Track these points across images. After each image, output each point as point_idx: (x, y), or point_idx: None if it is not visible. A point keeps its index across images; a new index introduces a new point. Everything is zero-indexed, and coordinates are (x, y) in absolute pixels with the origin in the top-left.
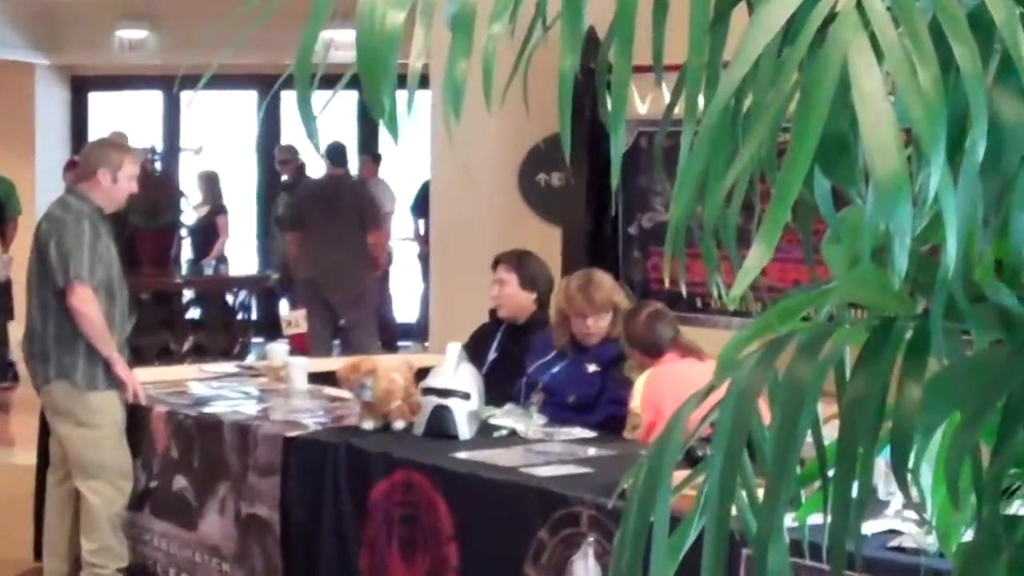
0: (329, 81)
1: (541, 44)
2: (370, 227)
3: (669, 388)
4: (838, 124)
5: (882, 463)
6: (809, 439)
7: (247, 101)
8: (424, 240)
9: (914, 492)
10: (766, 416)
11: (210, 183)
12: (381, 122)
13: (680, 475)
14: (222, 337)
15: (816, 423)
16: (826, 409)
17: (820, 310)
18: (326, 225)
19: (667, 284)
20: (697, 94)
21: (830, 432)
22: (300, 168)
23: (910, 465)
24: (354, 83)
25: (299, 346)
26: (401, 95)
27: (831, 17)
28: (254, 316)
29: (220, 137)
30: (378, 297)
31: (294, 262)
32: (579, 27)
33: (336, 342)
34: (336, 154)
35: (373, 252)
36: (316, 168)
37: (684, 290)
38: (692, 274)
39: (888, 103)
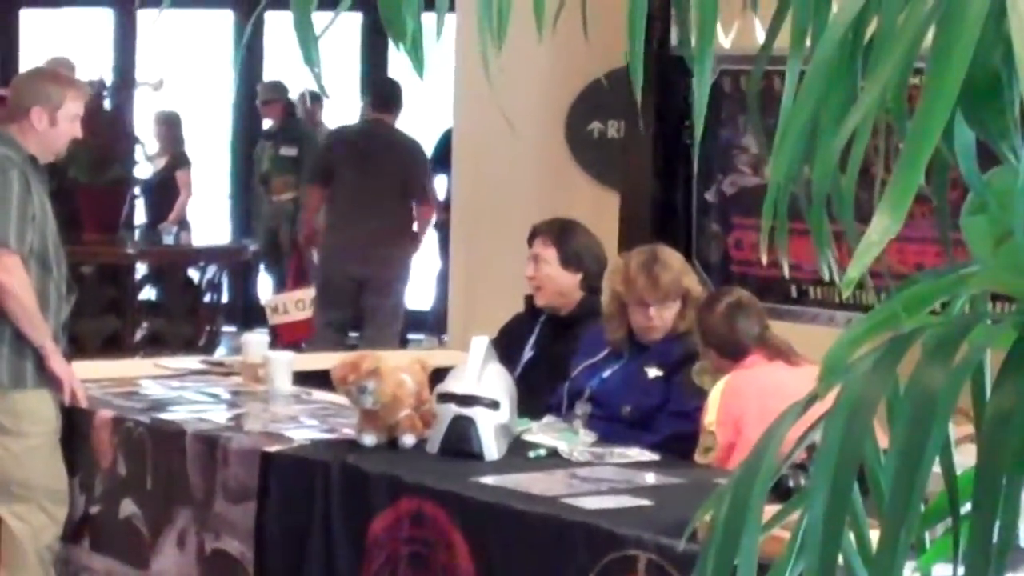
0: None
1: None
2: (417, 197)
3: (754, 399)
4: (988, 59)
5: None
6: (936, 468)
7: (221, 23)
8: (444, 206)
9: None
10: (881, 439)
11: (169, 127)
12: (400, 49)
13: (768, 511)
14: (185, 324)
15: (947, 447)
16: (956, 430)
17: (955, 301)
18: (360, 184)
19: (764, 263)
20: (807, 20)
21: (963, 459)
22: (288, 111)
23: None
24: (357, 3)
25: (287, 339)
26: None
27: None
28: (225, 298)
29: (186, 70)
30: (405, 284)
31: (309, 225)
32: None
33: (354, 334)
34: (384, 95)
35: (417, 228)
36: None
37: (786, 272)
38: (767, 258)
39: None
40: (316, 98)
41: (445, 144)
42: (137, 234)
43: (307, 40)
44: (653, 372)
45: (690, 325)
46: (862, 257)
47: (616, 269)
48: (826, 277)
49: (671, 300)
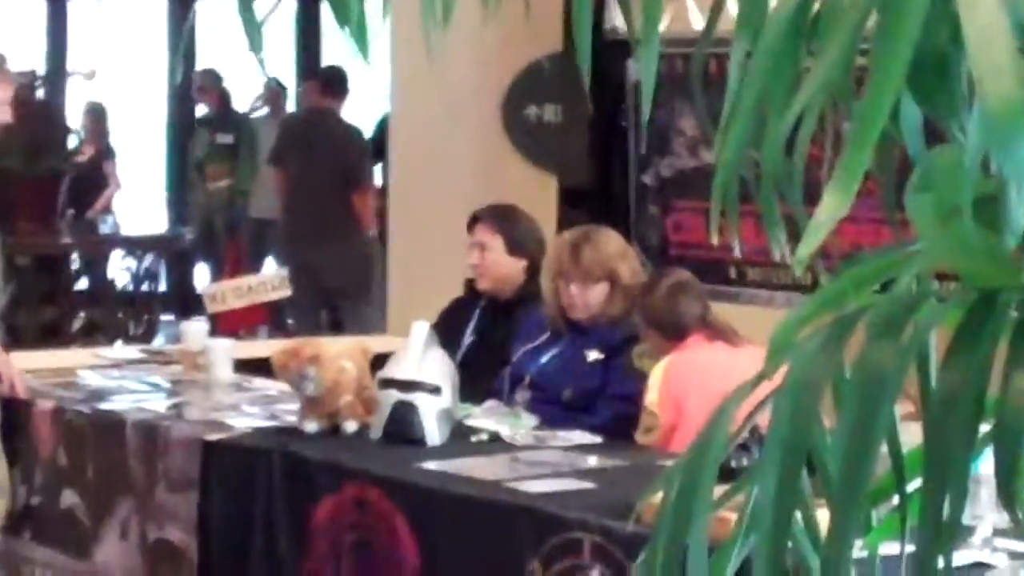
0: None
1: None
2: (354, 185)
3: (696, 380)
4: (935, 37)
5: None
6: (883, 448)
7: (155, 10)
8: (380, 192)
9: (1021, 514)
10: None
11: (96, 118)
12: (345, 33)
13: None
14: (122, 313)
15: (893, 426)
16: (898, 408)
17: (900, 280)
18: (304, 172)
19: (711, 245)
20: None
21: (905, 438)
22: (223, 98)
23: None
24: None
25: (226, 327)
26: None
27: None
28: (163, 287)
29: (119, 58)
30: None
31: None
32: None
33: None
34: (331, 82)
35: (360, 214)
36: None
37: (737, 251)
38: (722, 237)
39: (1002, 9)
40: (280, 85)
41: (382, 130)
42: (68, 223)
43: (251, 24)
44: (593, 355)
45: (620, 309)
46: (812, 236)
47: (551, 244)
48: (776, 258)
49: (593, 282)
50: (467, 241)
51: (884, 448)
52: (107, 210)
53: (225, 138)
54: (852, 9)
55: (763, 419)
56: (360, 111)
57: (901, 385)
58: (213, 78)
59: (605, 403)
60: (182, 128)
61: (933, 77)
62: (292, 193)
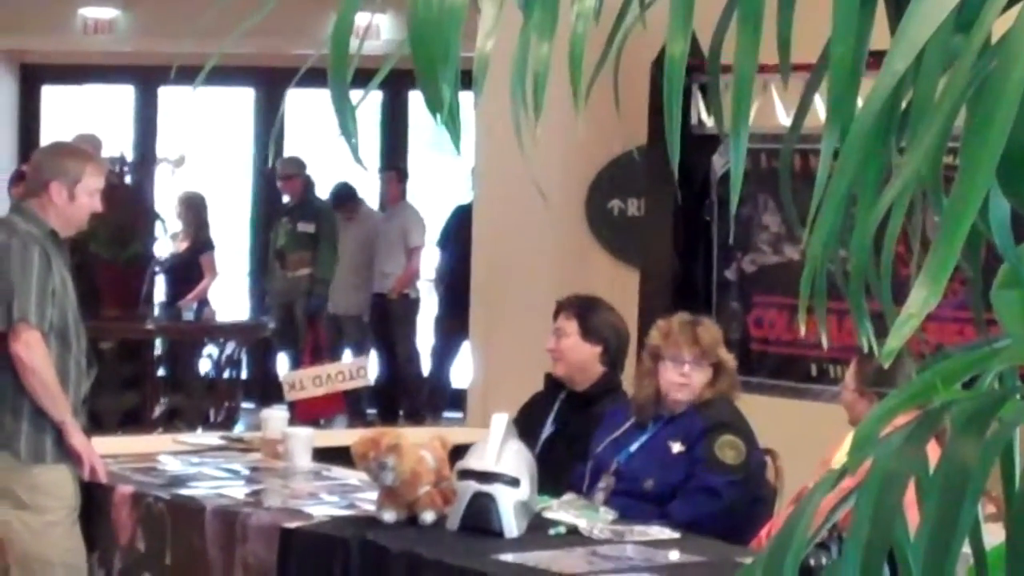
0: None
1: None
2: None
3: None
4: None
5: None
6: (966, 548)
7: (243, 100)
8: (446, 282)
9: None
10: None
11: (194, 210)
12: (438, 122)
13: None
14: (204, 400)
15: (976, 524)
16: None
17: (984, 377)
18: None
19: (801, 337)
20: (847, 93)
21: (986, 538)
22: (307, 186)
23: None
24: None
25: (305, 415)
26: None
27: None
28: (244, 375)
29: (207, 146)
30: None
31: None
32: (691, 2)
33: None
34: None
35: None
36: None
37: (825, 345)
38: (806, 333)
39: None
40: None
41: (455, 221)
42: (156, 311)
43: (344, 112)
44: (676, 447)
45: (718, 394)
46: (902, 329)
47: (657, 326)
48: (865, 350)
49: (707, 363)
50: (547, 334)
51: (966, 547)
52: (203, 301)
53: (307, 227)
54: (942, 104)
55: (843, 515)
56: (429, 199)
57: (985, 482)
58: (296, 165)
59: (687, 496)
60: (266, 216)
61: (1023, 171)
62: None
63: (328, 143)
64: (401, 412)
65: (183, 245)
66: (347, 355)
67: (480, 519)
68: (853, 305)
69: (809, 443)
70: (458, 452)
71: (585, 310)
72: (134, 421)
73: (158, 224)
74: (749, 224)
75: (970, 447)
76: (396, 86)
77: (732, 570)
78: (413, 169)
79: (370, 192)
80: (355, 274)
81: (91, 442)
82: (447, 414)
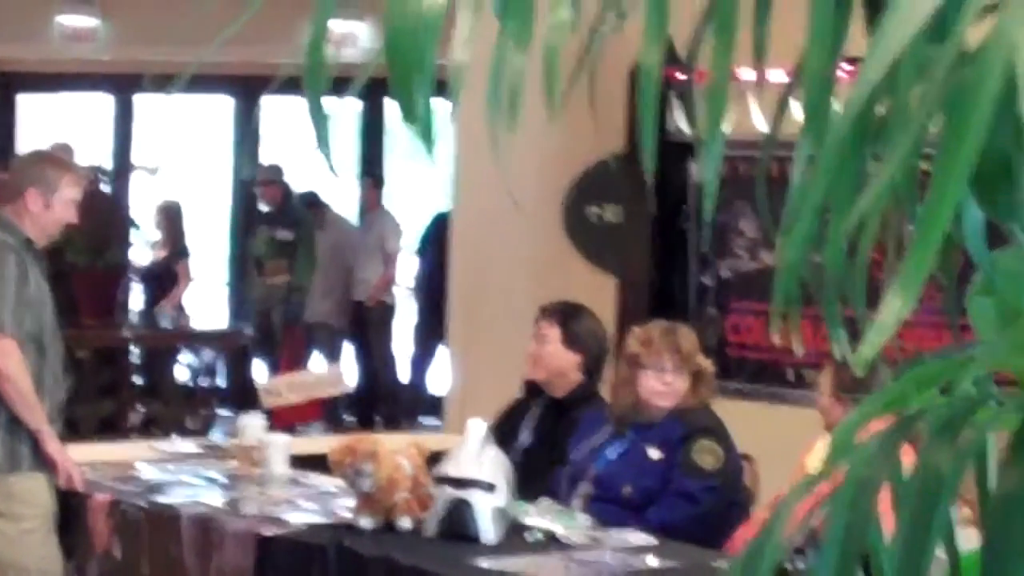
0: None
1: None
2: None
3: None
4: (999, 140)
5: None
6: (942, 553)
7: (221, 108)
8: (424, 289)
9: None
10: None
11: (171, 218)
12: (411, 129)
13: None
14: (180, 407)
15: (951, 529)
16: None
17: (959, 383)
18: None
19: (773, 345)
20: (821, 101)
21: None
22: (285, 193)
23: None
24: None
25: (282, 422)
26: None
27: (993, 5)
28: (221, 382)
29: (184, 154)
30: None
31: None
32: (665, 12)
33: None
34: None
35: None
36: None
37: (799, 352)
38: (780, 341)
39: None
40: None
41: (434, 229)
42: (133, 318)
43: (320, 121)
44: (655, 453)
45: (698, 402)
46: (876, 337)
47: (634, 334)
48: (838, 358)
49: (686, 371)
50: (525, 341)
51: (941, 552)
52: (178, 308)
53: (284, 235)
54: (917, 112)
55: (818, 520)
56: (408, 207)
57: (958, 488)
58: (274, 172)
59: (665, 502)
60: (244, 224)
61: (996, 180)
62: None
63: (304, 150)
64: (378, 419)
65: (161, 254)
66: (317, 361)
67: (457, 525)
68: (827, 314)
69: (786, 448)
70: (436, 459)
71: (568, 318)
72: (111, 429)
73: (134, 232)
74: (726, 230)
75: (944, 452)
76: (374, 94)
77: (708, 575)
78: (391, 177)
79: (347, 200)
80: (324, 281)
81: (68, 450)
82: (424, 421)
